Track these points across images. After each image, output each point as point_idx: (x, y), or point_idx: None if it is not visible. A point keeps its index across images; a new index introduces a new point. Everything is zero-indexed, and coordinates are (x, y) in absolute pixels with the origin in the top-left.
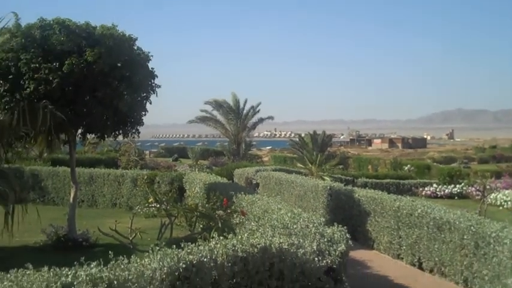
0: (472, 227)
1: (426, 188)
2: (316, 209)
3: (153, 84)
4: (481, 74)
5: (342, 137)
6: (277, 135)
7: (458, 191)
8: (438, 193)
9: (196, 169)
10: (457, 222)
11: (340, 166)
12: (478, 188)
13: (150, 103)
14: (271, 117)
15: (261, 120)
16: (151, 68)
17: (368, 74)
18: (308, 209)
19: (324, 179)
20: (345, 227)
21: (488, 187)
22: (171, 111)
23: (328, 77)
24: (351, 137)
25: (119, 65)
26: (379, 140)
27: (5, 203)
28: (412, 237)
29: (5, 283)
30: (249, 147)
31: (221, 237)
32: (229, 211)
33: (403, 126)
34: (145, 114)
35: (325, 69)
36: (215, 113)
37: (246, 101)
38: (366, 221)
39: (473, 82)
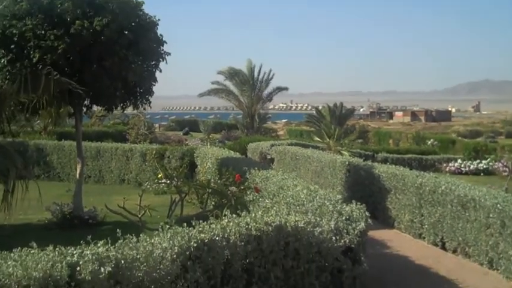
0: (498, 205)
1: (450, 164)
2: (333, 185)
3: (162, 52)
4: (509, 42)
5: (361, 110)
6: (293, 107)
7: (484, 167)
8: (463, 169)
9: (208, 143)
10: (483, 200)
11: (360, 140)
12: (505, 163)
13: (160, 71)
14: (286, 88)
15: (277, 90)
16: (160, 35)
17: (388, 43)
18: (325, 186)
19: (342, 154)
20: (364, 205)
21: None
22: (182, 82)
23: (345, 46)
24: (371, 110)
25: (126, 32)
26: (400, 113)
27: (4, 180)
28: (435, 216)
29: (9, 262)
30: (264, 120)
31: (234, 215)
32: (242, 188)
33: (426, 98)
34: (155, 84)
35: (342, 39)
36: (228, 83)
37: (260, 68)
38: (386, 199)
39: (502, 51)
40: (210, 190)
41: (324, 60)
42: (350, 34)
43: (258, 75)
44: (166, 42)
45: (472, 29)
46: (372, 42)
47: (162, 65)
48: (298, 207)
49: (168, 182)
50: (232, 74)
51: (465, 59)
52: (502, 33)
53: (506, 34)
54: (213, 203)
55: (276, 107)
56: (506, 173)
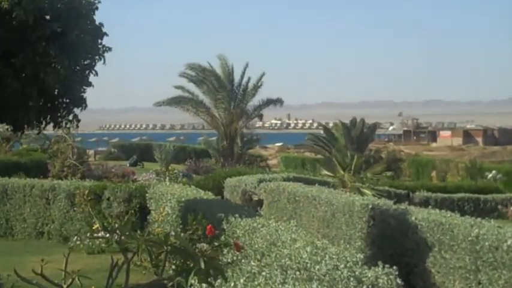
0: None
1: None
2: (350, 239)
3: (100, 46)
4: None
5: (391, 128)
6: (292, 125)
7: None
8: None
9: (167, 178)
10: None
11: (389, 173)
12: None
13: (96, 74)
14: (279, 101)
15: (268, 102)
16: (99, 24)
17: (431, 33)
18: (338, 240)
19: (363, 194)
20: (396, 268)
21: None
22: (131, 89)
23: (368, 37)
24: (405, 128)
25: (47, 17)
26: (448, 133)
27: None
28: (499, 284)
29: None
30: (249, 144)
31: (204, 285)
32: (216, 244)
33: (486, 110)
34: (83, 91)
35: (363, 26)
36: (196, 91)
37: (245, 70)
38: (426, 258)
39: None
40: (169, 248)
41: (336, 57)
42: (374, 19)
43: (241, 78)
44: (107, 34)
45: None
46: (409, 30)
47: (99, 65)
48: (298, 273)
49: (108, 236)
50: (201, 78)
51: None
52: None
53: None
54: (173, 266)
55: (267, 125)
56: None
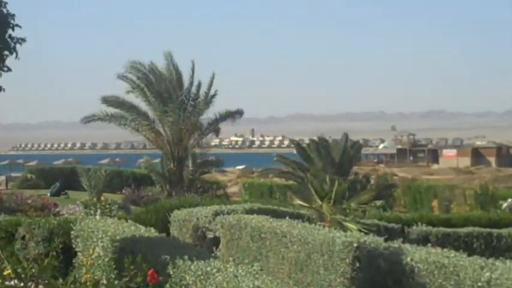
0: None
1: None
2: (330, 287)
3: (10, 39)
4: None
5: (381, 146)
6: (257, 143)
7: None
8: None
9: (99, 211)
10: None
11: (379, 202)
12: None
13: (9, 70)
14: (239, 112)
15: (226, 115)
16: (7, 13)
17: (430, 30)
18: None
19: (346, 229)
20: None
21: None
22: (54, 98)
23: (352, 35)
24: (400, 146)
25: None
26: (453, 151)
27: None
28: None
29: None
30: (203, 168)
31: None
32: None
33: (499, 123)
34: None
35: (345, 19)
36: (136, 100)
37: (193, 72)
38: None
39: None
40: None
41: (311, 58)
42: (360, 10)
43: (190, 84)
44: (19, 26)
45: None
46: (404, 23)
47: (10, 61)
48: None
49: (22, 285)
50: (143, 84)
51: None
52: None
53: None
54: None
55: (226, 143)
56: None
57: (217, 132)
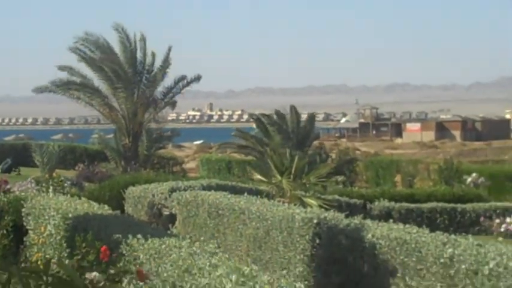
0: None
1: (508, 219)
2: (289, 264)
3: None
4: None
5: (343, 120)
6: (215, 117)
7: None
8: None
9: (51, 188)
10: None
11: (340, 178)
12: None
13: None
14: (197, 78)
15: (182, 84)
16: None
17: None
18: (274, 265)
19: (306, 205)
20: None
21: None
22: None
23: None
24: (362, 120)
25: None
26: (416, 125)
27: None
28: None
29: None
30: (159, 143)
31: None
32: (113, 272)
33: (464, 96)
34: None
35: None
36: (89, 74)
37: (144, 42)
38: (387, 287)
39: None
40: (50, 279)
41: (273, 31)
42: None
43: (144, 57)
44: None
45: None
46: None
47: None
48: None
49: None
50: (96, 57)
51: None
52: None
53: None
54: None
55: (183, 117)
56: None
57: (173, 105)
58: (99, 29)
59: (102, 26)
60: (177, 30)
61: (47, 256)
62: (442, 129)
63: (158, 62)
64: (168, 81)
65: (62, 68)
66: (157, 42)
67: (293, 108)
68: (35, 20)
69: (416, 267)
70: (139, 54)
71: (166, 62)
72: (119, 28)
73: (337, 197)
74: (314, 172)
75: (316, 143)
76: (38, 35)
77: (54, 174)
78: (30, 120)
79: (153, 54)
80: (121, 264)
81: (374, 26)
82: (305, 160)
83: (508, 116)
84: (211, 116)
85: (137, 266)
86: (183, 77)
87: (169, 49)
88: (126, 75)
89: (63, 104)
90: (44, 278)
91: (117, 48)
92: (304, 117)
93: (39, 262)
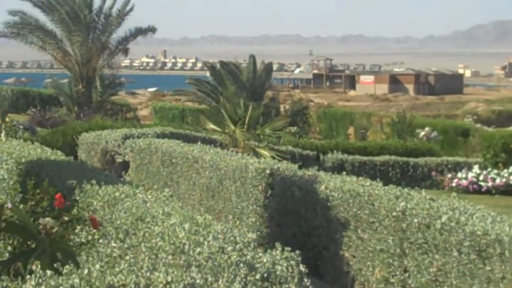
0: None
1: (460, 174)
2: (242, 214)
3: None
4: None
5: (297, 71)
6: (169, 65)
7: None
8: (482, 184)
9: (3, 133)
10: None
11: (293, 129)
12: None
13: None
14: (151, 29)
15: (137, 33)
16: None
17: None
18: (227, 215)
19: (259, 155)
20: (299, 252)
21: None
22: None
23: None
24: (316, 72)
25: None
26: (370, 78)
27: None
28: (430, 272)
29: None
30: (112, 89)
31: (49, 273)
32: (66, 219)
33: (418, 49)
34: None
35: None
36: (43, 18)
37: None
38: (339, 240)
39: None
40: (3, 224)
41: None
42: None
43: (103, 2)
44: None
45: None
46: None
47: None
48: (172, 257)
49: None
50: (50, 1)
51: None
52: None
53: None
54: (9, 248)
55: (136, 64)
56: None
57: (125, 51)
58: None
59: None
60: None
61: (0, 200)
62: (395, 82)
63: (116, 7)
64: (124, 27)
65: (13, 13)
66: None
67: (252, 58)
68: None
69: (369, 220)
70: (97, 1)
71: (124, 9)
72: None
73: (290, 148)
74: (269, 124)
75: (269, 93)
76: None
77: (6, 119)
78: None
79: (114, 2)
80: (75, 211)
81: None
82: (259, 110)
83: (461, 71)
84: (165, 64)
85: (90, 213)
86: (138, 29)
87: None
88: (81, 19)
89: (16, 48)
90: None
91: None
92: (259, 67)
93: None
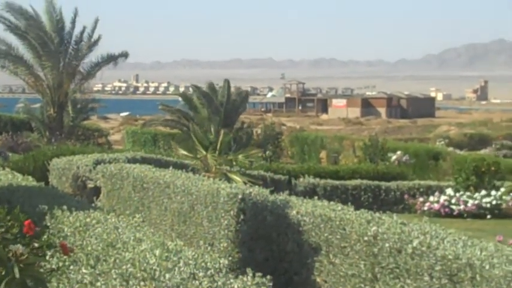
0: None
1: (432, 198)
2: (214, 239)
3: None
4: None
5: (269, 95)
6: (141, 89)
7: (494, 203)
8: (454, 207)
9: None
10: (487, 267)
11: (264, 153)
12: None
13: None
14: (124, 55)
15: (109, 59)
16: None
17: None
18: (198, 241)
19: (231, 180)
20: (270, 277)
21: None
22: None
23: None
24: (288, 95)
25: None
26: (342, 102)
27: None
28: None
29: None
30: (84, 114)
31: None
32: (37, 245)
33: (391, 73)
34: None
35: None
36: (14, 42)
37: (75, 16)
38: (311, 265)
39: None
40: None
41: (199, 2)
42: None
43: (73, 28)
44: None
45: None
46: None
47: None
48: (143, 283)
49: None
50: (21, 26)
51: (461, 2)
52: None
53: None
54: None
55: (109, 88)
56: None
57: (95, 76)
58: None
59: None
60: (109, 2)
61: None
62: (367, 105)
63: (87, 33)
64: (95, 52)
65: None
66: (88, 13)
67: (226, 82)
68: None
69: (340, 245)
70: (67, 25)
71: (94, 34)
72: None
73: (262, 172)
74: (243, 152)
75: (242, 117)
76: None
77: None
78: None
79: (83, 28)
80: (45, 237)
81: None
82: (230, 136)
83: (433, 94)
84: (137, 88)
85: (61, 239)
86: (110, 56)
87: (96, 21)
88: (52, 44)
89: None
90: None
91: (44, 17)
92: (233, 92)
93: None
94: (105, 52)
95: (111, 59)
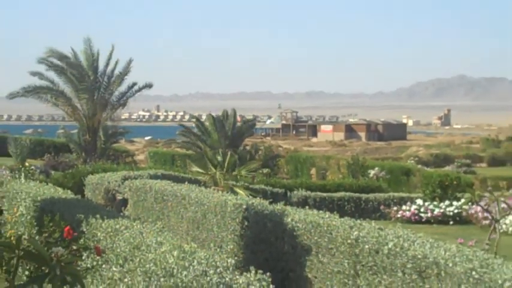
0: (473, 272)
1: (404, 207)
2: (222, 242)
3: None
4: (495, 24)
5: (268, 122)
6: (161, 117)
7: (456, 211)
8: (423, 215)
9: (22, 175)
10: (450, 265)
11: (265, 170)
12: (486, 207)
13: None
14: (149, 85)
15: (135, 89)
16: None
17: (311, 22)
18: (209, 243)
19: (236, 193)
20: (269, 274)
21: (504, 205)
22: None
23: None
24: (284, 122)
25: None
26: (329, 127)
27: None
28: None
29: None
30: (114, 138)
31: None
32: (75, 248)
33: (369, 103)
34: None
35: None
36: (56, 78)
37: (110, 57)
38: (303, 263)
39: (485, 36)
40: (22, 253)
41: (210, 45)
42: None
43: (106, 66)
44: None
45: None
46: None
47: None
48: (163, 279)
49: None
50: (62, 66)
51: (428, 43)
52: (485, 6)
53: (489, 11)
54: (26, 272)
55: (134, 117)
56: (487, 221)
57: (124, 105)
58: (70, 40)
59: (70, 38)
60: (132, 41)
61: (19, 233)
62: (350, 130)
63: (118, 69)
64: (124, 86)
65: (33, 74)
66: (120, 53)
67: (233, 112)
68: (8, 31)
69: (328, 247)
70: (101, 63)
71: (125, 71)
72: (87, 41)
73: (262, 186)
74: (245, 166)
75: (246, 141)
76: (13, 44)
77: (25, 164)
78: (5, 117)
79: (115, 65)
80: (82, 241)
81: (297, 42)
82: (235, 157)
83: (405, 121)
84: (158, 116)
85: (95, 243)
86: (134, 84)
87: (130, 61)
88: (88, 80)
89: (34, 104)
90: (16, 251)
91: (82, 57)
92: (239, 120)
93: (12, 238)
94: (131, 84)
95: (137, 88)
